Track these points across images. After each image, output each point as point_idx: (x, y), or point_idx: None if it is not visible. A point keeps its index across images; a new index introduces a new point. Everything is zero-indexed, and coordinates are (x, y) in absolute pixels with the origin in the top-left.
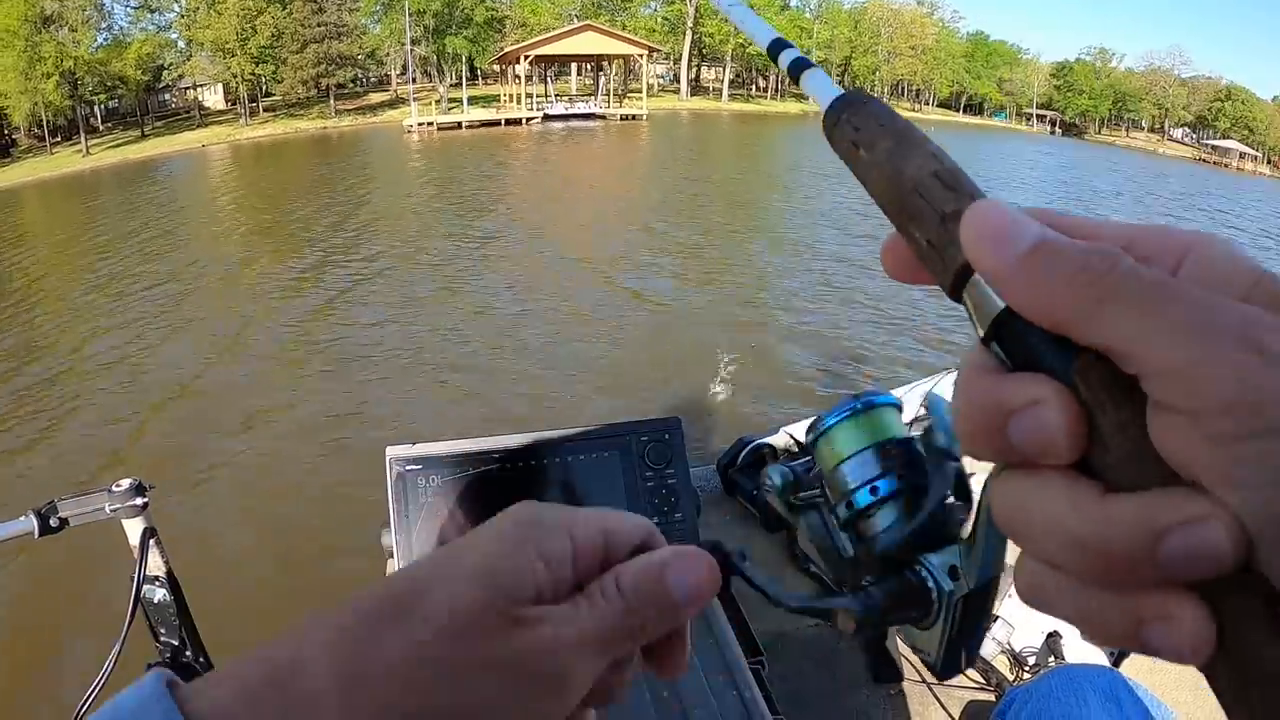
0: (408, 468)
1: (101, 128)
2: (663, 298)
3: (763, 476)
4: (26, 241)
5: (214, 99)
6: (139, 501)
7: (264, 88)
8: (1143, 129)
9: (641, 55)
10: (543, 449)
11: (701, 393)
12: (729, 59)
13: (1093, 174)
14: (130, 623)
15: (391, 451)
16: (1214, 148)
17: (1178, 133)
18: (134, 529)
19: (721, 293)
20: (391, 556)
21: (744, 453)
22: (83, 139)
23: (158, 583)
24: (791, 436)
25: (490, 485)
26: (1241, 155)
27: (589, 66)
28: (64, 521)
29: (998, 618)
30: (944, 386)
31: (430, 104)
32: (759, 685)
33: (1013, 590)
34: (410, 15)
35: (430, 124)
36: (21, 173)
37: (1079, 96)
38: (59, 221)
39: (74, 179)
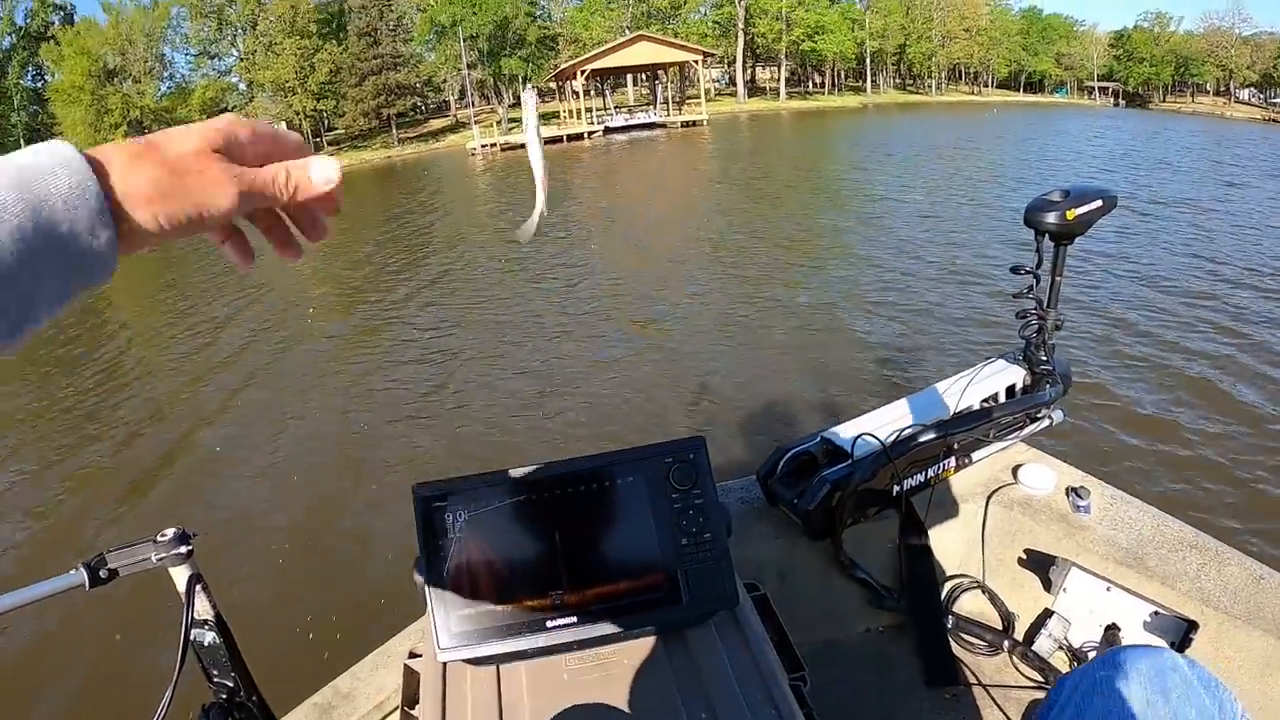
0: (435, 503)
1: None
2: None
3: (810, 484)
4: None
5: None
6: (184, 549)
7: (327, 122)
8: (1208, 93)
9: (696, 61)
10: (568, 478)
11: (748, 402)
12: (783, 57)
13: (1152, 146)
14: (181, 666)
15: (419, 488)
16: None
17: (1244, 93)
18: (180, 576)
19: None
20: (424, 592)
21: (783, 461)
22: None
23: (207, 626)
24: (831, 442)
25: (517, 515)
26: None
27: (644, 76)
28: (113, 573)
29: (1052, 613)
30: (983, 376)
31: (491, 125)
32: (800, 702)
33: (1068, 584)
34: (464, 40)
35: (493, 145)
36: None
37: (1139, 65)
38: (135, 273)
39: None
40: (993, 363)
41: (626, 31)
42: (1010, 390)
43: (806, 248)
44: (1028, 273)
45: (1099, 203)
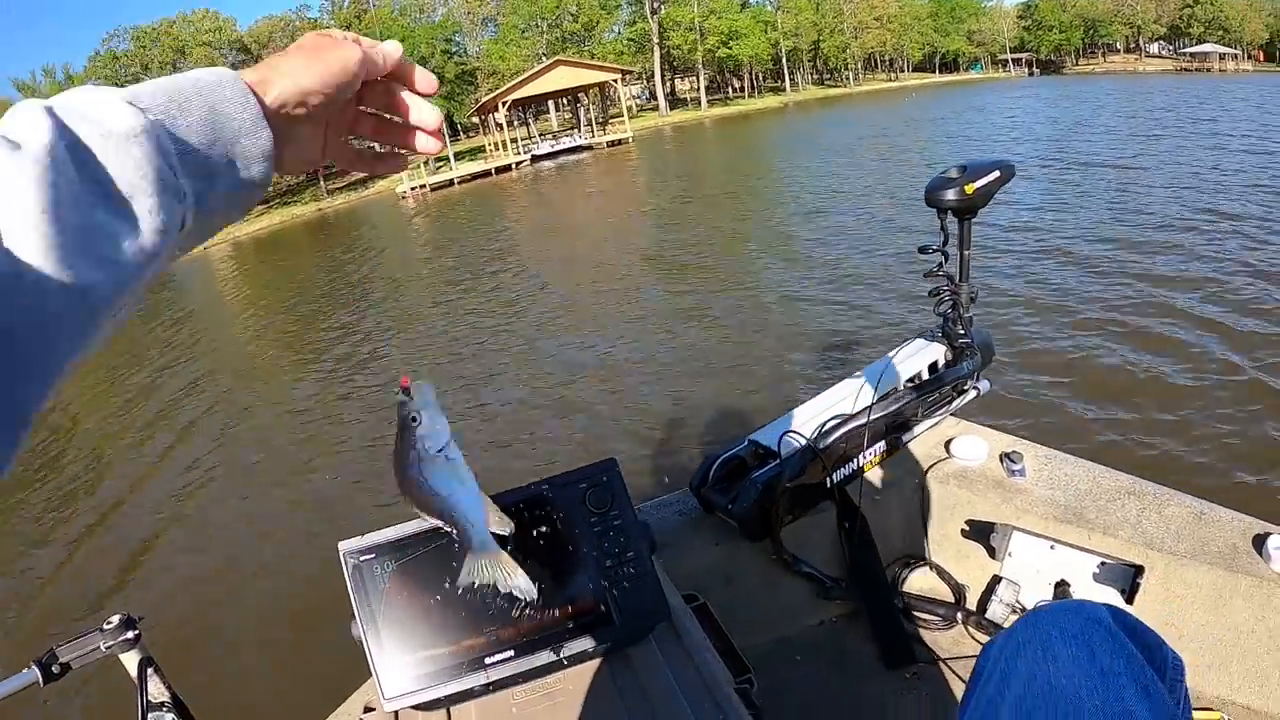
0: (362, 558)
1: None
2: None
3: (742, 487)
4: None
5: None
6: (131, 635)
7: None
8: (1119, 51)
9: (615, 80)
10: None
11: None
12: (700, 66)
13: (1064, 110)
14: None
15: (344, 545)
16: (1192, 55)
17: (1154, 47)
18: (130, 661)
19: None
20: (363, 645)
21: (713, 469)
22: None
23: (165, 709)
24: (758, 444)
25: (442, 558)
26: (1221, 56)
27: (566, 101)
28: (66, 667)
29: (1000, 579)
30: (903, 357)
31: (418, 166)
32: (747, 704)
33: (1012, 548)
34: None
35: (423, 186)
36: None
37: (1049, 33)
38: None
39: None
40: (912, 342)
41: (543, 58)
42: (933, 367)
43: (733, 256)
44: (935, 251)
45: (995, 174)
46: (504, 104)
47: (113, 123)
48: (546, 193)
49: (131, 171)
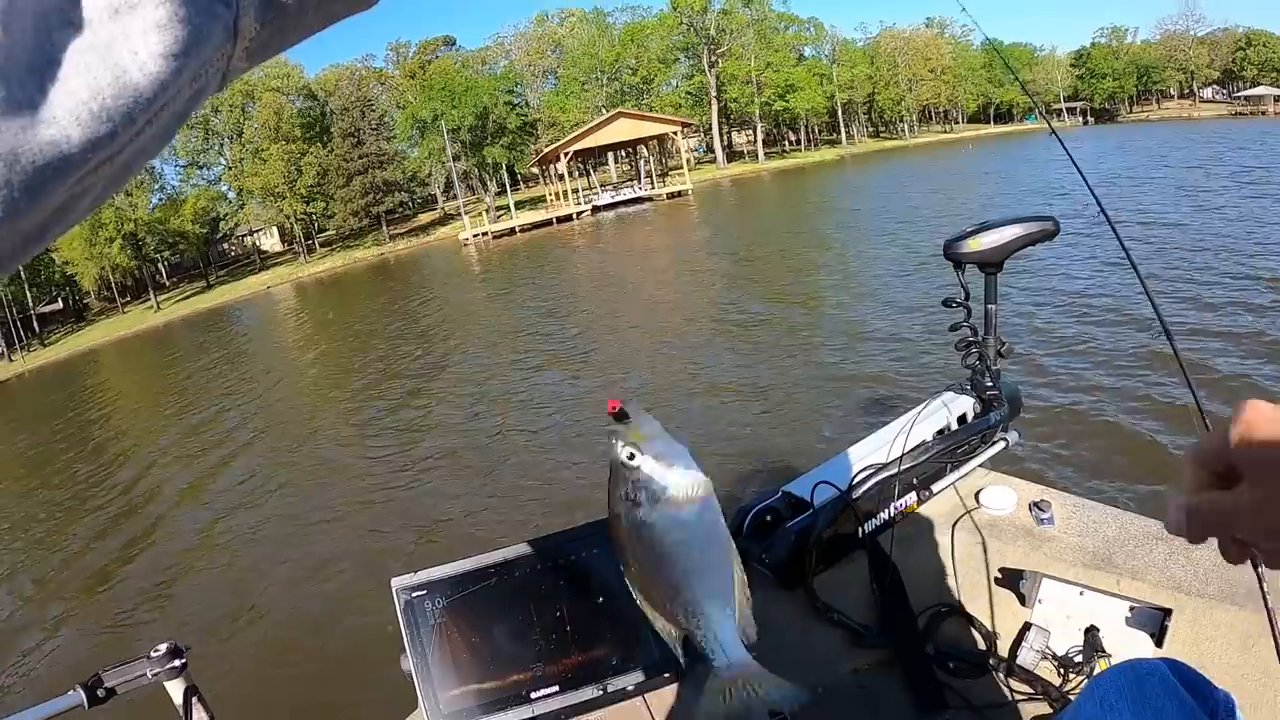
0: (414, 594)
1: (168, 283)
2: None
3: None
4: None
5: (270, 242)
6: (178, 663)
7: (317, 224)
8: (1172, 97)
9: (675, 132)
10: (534, 556)
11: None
12: (757, 119)
13: (1117, 159)
14: None
15: (396, 582)
16: (1246, 99)
17: (1207, 92)
18: (176, 690)
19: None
20: (412, 680)
21: (747, 519)
22: (152, 295)
23: None
24: (792, 494)
25: (491, 596)
26: (1276, 99)
27: (625, 152)
28: (111, 691)
29: (1031, 625)
30: (932, 409)
31: (480, 214)
32: None
33: (1042, 595)
34: (447, 134)
35: (485, 234)
36: (99, 334)
37: (1103, 81)
38: (140, 379)
39: (150, 333)
40: (942, 395)
41: (603, 110)
42: (962, 419)
43: (796, 309)
44: (958, 305)
45: (1017, 230)
46: (566, 154)
47: None
48: (608, 244)
49: None
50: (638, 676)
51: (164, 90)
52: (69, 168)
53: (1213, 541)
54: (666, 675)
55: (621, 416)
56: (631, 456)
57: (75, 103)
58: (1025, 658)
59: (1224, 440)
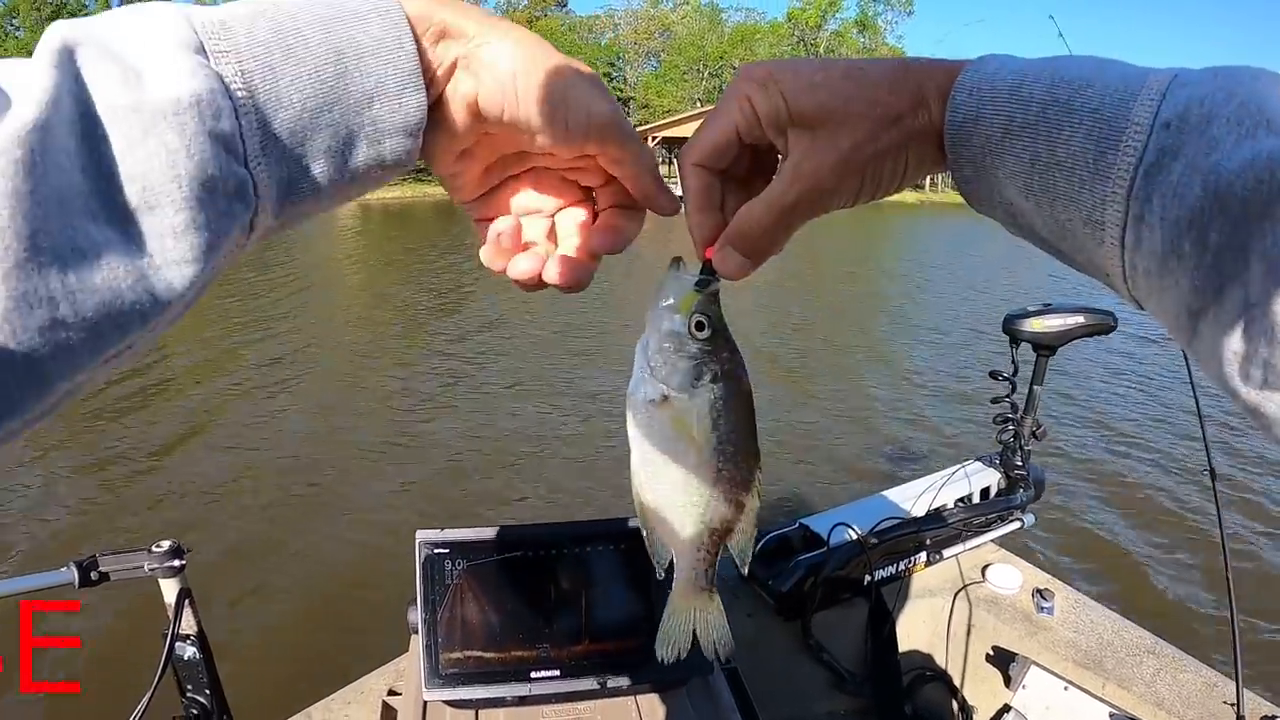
0: (435, 550)
1: None
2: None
3: (785, 566)
4: None
5: None
6: (177, 563)
7: None
8: None
9: None
10: (562, 539)
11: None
12: None
13: None
14: (160, 677)
15: (421, 535)
16: None
17: None
18: (170, 589)
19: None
20: (416, 632)
21: (761, 542)
22: None
23: (189, 641)
24: (808, 528)
25: (510, 570)
26: None
27: None
28: (104, 575)
29: (1011, 708)
30: (959, 476)
31: None
32: None
33: (1027, 681)
34: None
35: None
36: None
37: None
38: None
39: None
40: (970, 464)
41: (698, 103)
42: (985, 492)
43: (848, 341)
44: (1004, 379)
45: (1080, 319)
46: (654, 138)
47: (151, 86)
48: (679, 233)
49: (158, 169)
50: (639, 678)
51: (180, 296)
52: (79, 367)
53: (1202, 667)
54: (667, 684)
55: (708, 274)
56: (701, 326)
57: (97, 302)
58: None
59: (736, 126)
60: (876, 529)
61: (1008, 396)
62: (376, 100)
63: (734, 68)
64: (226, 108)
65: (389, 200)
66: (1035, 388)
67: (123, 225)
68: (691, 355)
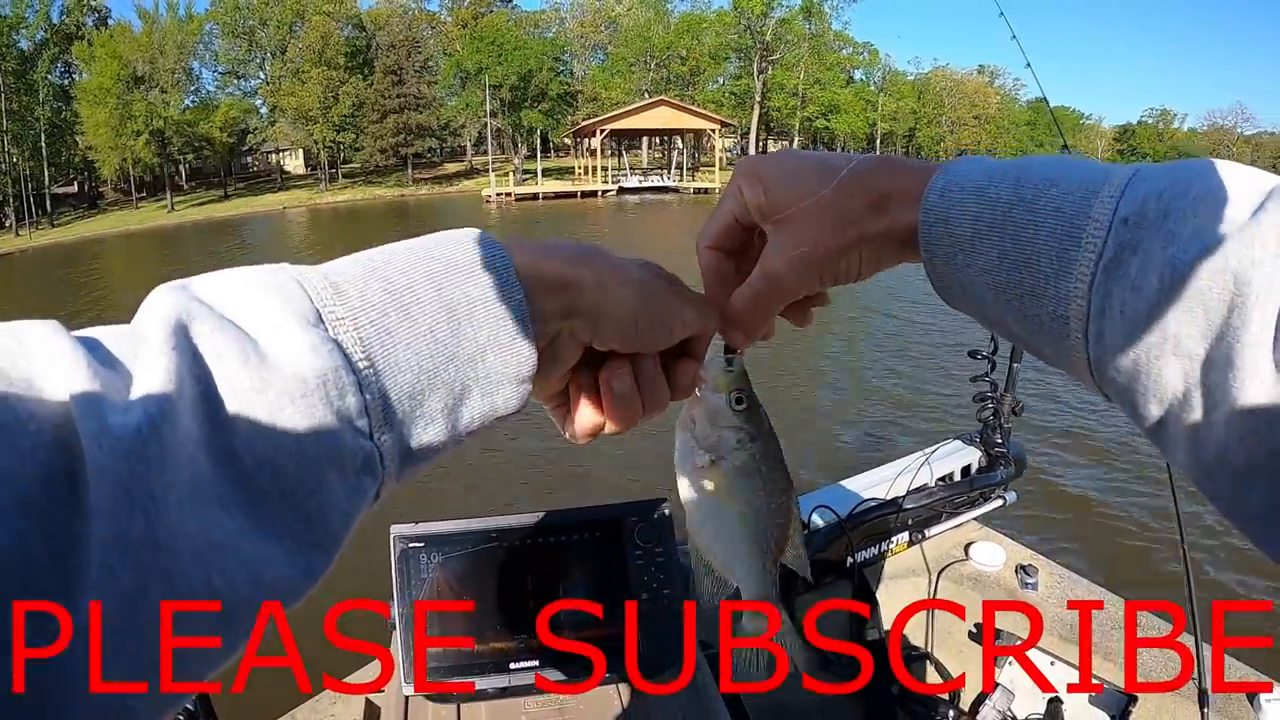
0: (410, 544)
1: (185, 186)
2: None
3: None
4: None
5: (294, 164)
6: None
7: (343, 155)
8: None
9: (713, 129)
10: (537, 529)
11: None
12: (796, 132)
13: None
14: None
15: (396, 529)
16: None
17: None
18: None
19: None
20: (395, 628)
21: None
22: (168, 195)
23: None
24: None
25: (486, 562)
26: None
27: (659, 140)
28: None
29: (998, 685)
30: (940, 455)
31: (506, 174)
32: None
33: (1012, 658)
34: (488, 89)
35: (508, 194)
36: (109, 224)
37: (1142, 159)
38: (143, 274)
39: (159, 232)
40: (950, 443)
41: (645, 95)
42: (965, 470)
43: (823, 315)
44: (983, 358)
45: None
46: (602, 131)
47: (274, 365)
48: (628, 226)
49: (286, 454)
50: (620, 666)
51: (315, 580)
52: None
53: (1188, 639)
54: (647, 672)
55: (731, 353)
56: (739, 401)
57: (232, 598)
58: (986, 715)
59: (734, 213)
60: (857, 510)
61: (987, 375)
62: (490, 352)
63: (680, 58)
64: (351, 384)
65: (339, 203)
66: (1014, 365)
67: (253, 511)
68: (733, 425)
